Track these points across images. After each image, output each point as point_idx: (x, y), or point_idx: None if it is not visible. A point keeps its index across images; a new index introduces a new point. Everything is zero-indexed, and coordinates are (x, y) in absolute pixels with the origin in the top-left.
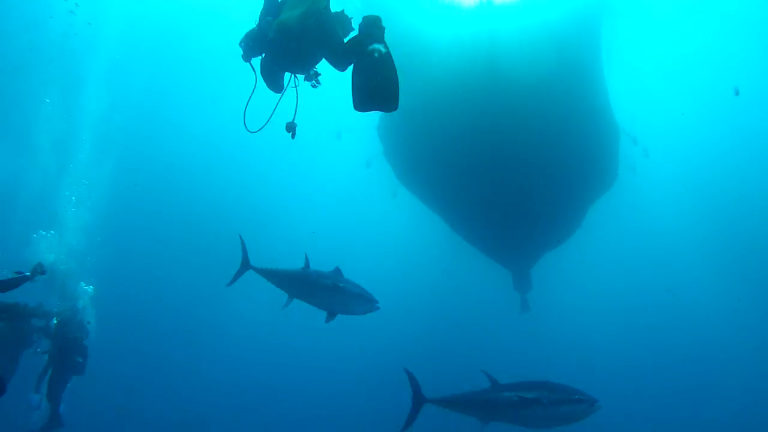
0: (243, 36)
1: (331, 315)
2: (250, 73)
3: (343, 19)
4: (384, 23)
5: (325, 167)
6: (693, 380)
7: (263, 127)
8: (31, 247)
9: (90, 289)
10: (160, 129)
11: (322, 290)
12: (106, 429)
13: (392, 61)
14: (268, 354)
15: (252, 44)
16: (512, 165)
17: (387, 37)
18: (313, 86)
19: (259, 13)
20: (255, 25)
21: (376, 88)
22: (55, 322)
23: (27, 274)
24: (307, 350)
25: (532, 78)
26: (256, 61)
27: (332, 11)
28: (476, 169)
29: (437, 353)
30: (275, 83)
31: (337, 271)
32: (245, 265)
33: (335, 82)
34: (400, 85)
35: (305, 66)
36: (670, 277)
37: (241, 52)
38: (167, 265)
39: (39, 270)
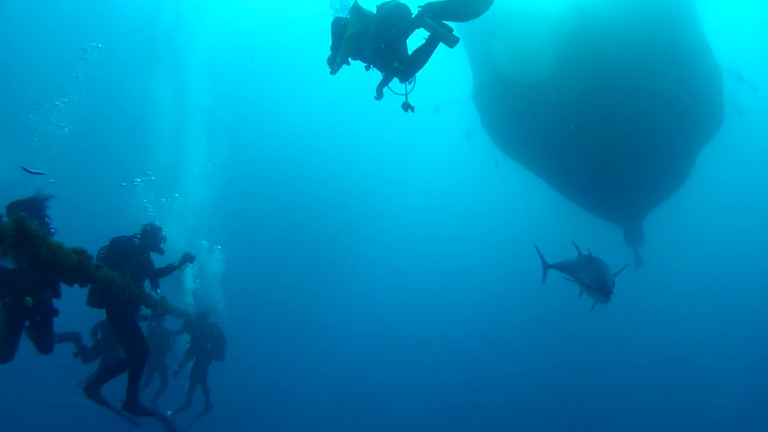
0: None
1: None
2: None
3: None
4: None
5: (425, 143)
6: None
7: (411, 88)
8: (159, 211)
9: (218, 248)
10: (264, 114)
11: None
12: (281, 404)
13: None
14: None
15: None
16: (614, 118)
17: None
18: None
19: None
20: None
21: None
22: (190, 319)
23: (175, 264)
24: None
25: (624, 26)
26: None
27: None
28: (580, 127)
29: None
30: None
31: (588, 256)
32: (545, 265)
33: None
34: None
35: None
36: None
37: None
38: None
39: (188, 259)
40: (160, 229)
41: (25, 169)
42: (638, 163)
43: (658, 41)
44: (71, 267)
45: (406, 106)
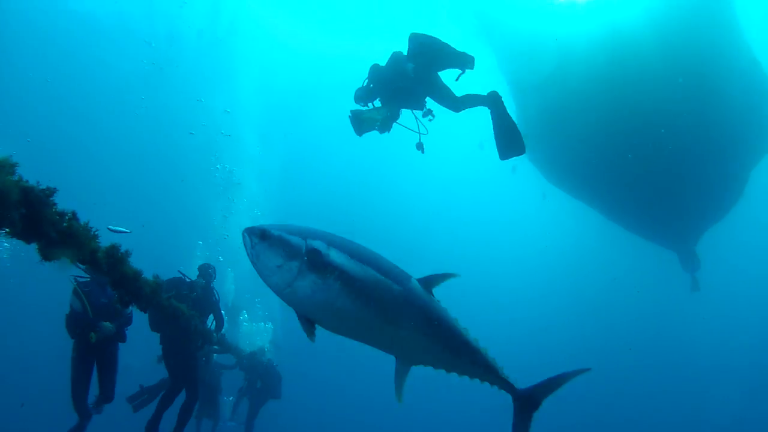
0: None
1: None
2: None
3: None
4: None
5: (472, 178)
6: None
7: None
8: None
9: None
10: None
11: None
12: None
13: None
14: None
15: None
16: (663, 140)
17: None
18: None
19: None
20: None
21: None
22: (242, 360)
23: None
24: None
25: (663, 51)
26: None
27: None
28: (629, 153)
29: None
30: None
31: None
32: None
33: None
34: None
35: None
36: None
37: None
38: None
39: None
40: (214, 268)
41: (110, 230)
42: (689, 184)
43: (704, 61)
44: (146, 295)
45: (419, 146)
